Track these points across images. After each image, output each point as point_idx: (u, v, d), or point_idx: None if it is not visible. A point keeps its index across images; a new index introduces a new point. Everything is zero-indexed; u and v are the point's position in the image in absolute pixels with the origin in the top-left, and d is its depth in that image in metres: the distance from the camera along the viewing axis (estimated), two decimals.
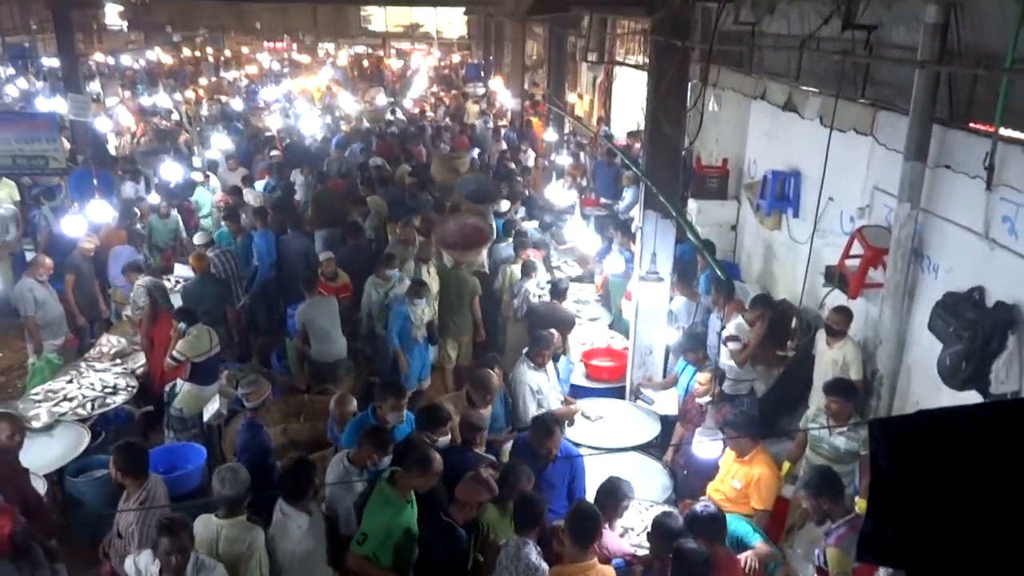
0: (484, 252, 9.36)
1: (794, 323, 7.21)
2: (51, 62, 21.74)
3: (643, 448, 6.18)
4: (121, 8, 32.30)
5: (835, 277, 6.58)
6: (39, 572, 4.70)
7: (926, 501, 1.35)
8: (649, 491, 5.53)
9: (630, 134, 14.47)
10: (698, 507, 4.19)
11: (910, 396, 6.03)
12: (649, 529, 4.42)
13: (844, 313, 6.09)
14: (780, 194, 8.21)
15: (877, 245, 6.09)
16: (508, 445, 5.67)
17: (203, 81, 27.06)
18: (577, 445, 5.68)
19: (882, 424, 1.40)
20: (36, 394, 6.84)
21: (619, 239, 8.94)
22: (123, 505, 4.58)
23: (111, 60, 29.84)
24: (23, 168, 10.82)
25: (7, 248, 10.14)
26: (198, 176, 12.85)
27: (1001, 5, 4.94)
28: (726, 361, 6.58)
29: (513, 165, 13.55)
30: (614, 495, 4.43)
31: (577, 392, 6.96)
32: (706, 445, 4.93)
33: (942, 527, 1.35)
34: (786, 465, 5.55)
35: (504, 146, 15.78)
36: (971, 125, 5.47)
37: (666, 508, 5.07)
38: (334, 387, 7.15)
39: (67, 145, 12.81)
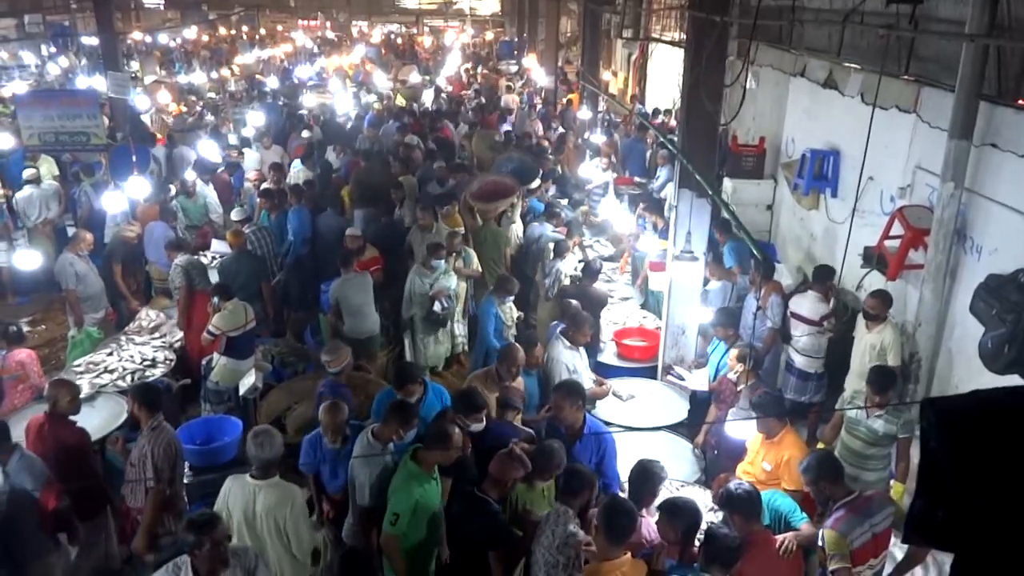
0: (513, 204, 9.40)
1: (832, 304, 7.11)
2: (91, 40, 22.02)
3: (673, 428, 6.15)
4: None
5: (874, 258, 6.47)
6: (82, 548, 4.91)
7: (979, 484, 1.30)
8: (679, 471, 5.51)
9: (666, 112, 14.31)
10: (732, 485, 4.13)
11: (950, 380, 5.93)
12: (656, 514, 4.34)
13: (881, 297, 5.98)
14: (819, 173, 8.08)
15: (918, 226, 5.96)
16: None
17: (239, 59, 27.23)
18: (608, 424, 5.67)
19: (934, 404, 1.36)
20: (78, 366, 7.02)
21: (644, 214, 8.93)
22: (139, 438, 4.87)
23: (148, 39, 30.17)
24: (65, 144, 10.98)
25: (49, 224, 10.35)
26: (232, 153, 12.98)
27: None
28: (807, 338, 6.53)
29: (546, 143, 13.47)
30: (650, 479, 4.34)
31: (608, 371, 6.94)
32: (739, 425, 4.88)
33: (995, 511, 1.30)
34: (819, 447, 5.49)
35: (540, 125, 15.68)
36: (1020, 102, 5.31)
37: (678, 493, 5.02)
38: (367, 363, 7.21)
39: (106, 122, 12.99)
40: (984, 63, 5.25)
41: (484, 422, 4.86)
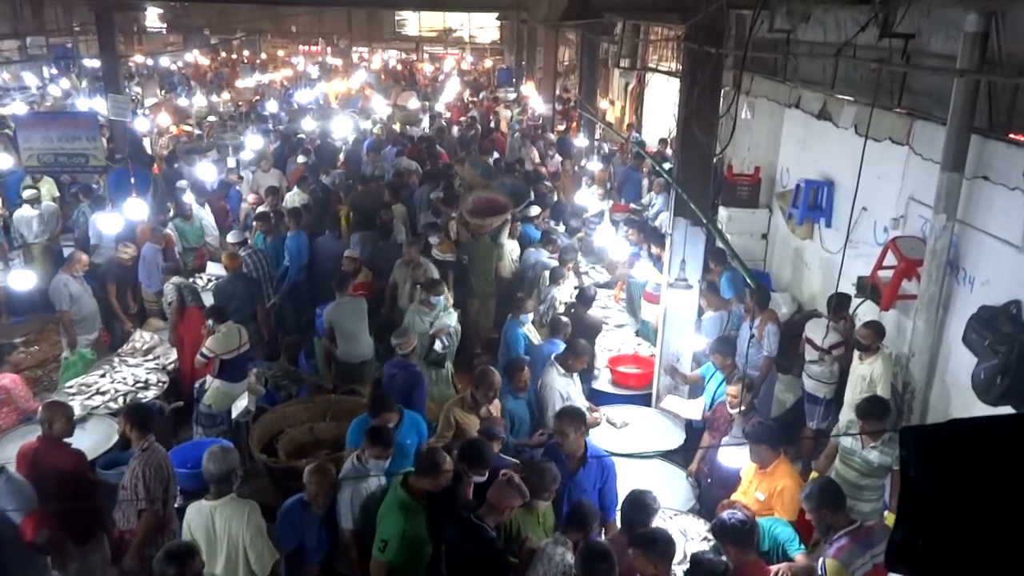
0: (506, 221, 9.49)
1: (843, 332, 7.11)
2: (93, 63, 22.16)
3: (666, 456, 6.13)
4: (161, 11, 32.89)
5: (867, 288, 6.49)
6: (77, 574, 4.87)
7: (958, 513, 1.31)
8: (672, 500, 5.48)
9: (661, 141, 14.42)
10: (726, 515, 4.11)
11: (943, 410, 5.93)
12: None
13: (874, 328, 6.00)
14: (813, 203, 8.13)
15: (911, 256, 6.00)
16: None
17: (239, 84, 27.38)
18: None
19: (913, 432, 1.37)
20: (70, 387, 6.99)
21: (636, 239, 8.98)
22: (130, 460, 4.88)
23: (150, 62, 30.36)
24: (64, 166, 11.01)
25: (39, 246, 10.34)
26: (231, 176, 13.04)
27: None
28: (817, 364, 6.54)
29: (543, 169, 13.55)
30: (644, 510, 4.32)
31: (603, 399, 6.93)
32: (732, 454, 4.86)
33: (975, 540, 1.31)
34: (812, 476, 5.47)
35: (536, 152, 15.77)
36: (1011, 136, 5.37)
37: (671, 522, 4.97)
38: (360, 387, 7.19)
39: (105, 144, 13.05)
40: (975, 97, 5.32)
41: (487, 476, 4.67)
